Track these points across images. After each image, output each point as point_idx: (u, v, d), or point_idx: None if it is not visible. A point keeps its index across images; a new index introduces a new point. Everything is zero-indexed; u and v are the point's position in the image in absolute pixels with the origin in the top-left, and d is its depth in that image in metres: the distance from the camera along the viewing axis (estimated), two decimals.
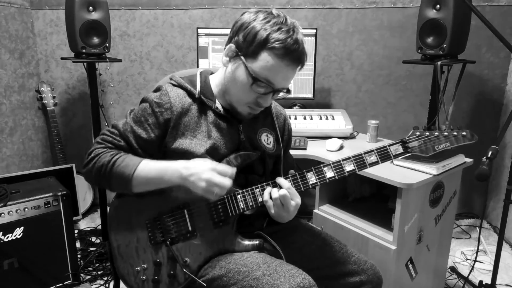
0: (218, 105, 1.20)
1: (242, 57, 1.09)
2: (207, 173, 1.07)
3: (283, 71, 1.09)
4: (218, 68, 1.25)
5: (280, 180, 1.14)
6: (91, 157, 1.16)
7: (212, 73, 1.27)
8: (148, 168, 1.13)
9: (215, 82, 1.22)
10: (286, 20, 1.07)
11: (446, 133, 1.15)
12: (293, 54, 1.06)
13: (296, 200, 1.13)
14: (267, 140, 1.28)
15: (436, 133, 1.15)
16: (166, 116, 1.14)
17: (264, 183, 1.16)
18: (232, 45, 1.11)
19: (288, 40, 1.05)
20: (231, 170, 1.10)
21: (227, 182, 1.08)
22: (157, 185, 1.14)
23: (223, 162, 1.17)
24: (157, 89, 1.21)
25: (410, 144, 1.16)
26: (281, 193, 1.11)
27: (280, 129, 1.33)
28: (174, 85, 1.21)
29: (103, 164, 1.13)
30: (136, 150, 1.18)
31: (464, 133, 1.15)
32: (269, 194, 1.13)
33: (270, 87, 1.10)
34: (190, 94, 1.19)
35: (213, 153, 1.17)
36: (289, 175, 1.16)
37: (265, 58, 1.06)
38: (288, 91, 1.15)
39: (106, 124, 2.63)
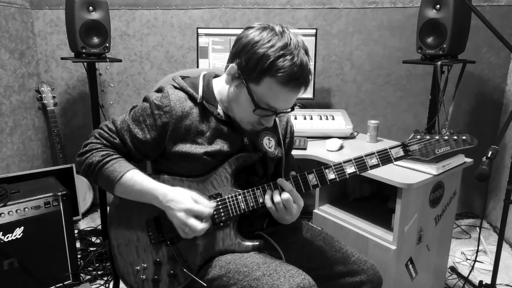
0: (220, 110, 1.19)
1: (244, 81, 1.07)
2: (181, 213, 1.08)
3: (286, 96, 1.07)
4: (219, 68, 1.24)
5: (282, 182, 1.14)
6: (86, 150, 1.18)
7: (215, 75, 1.25)
8: (133, 181, 1.14)
9: (218, 88, 1.20)
10: (290, 41, 1.02)
11: (446, 137, 1.16)
12: (297, 81, 1.04)
13: (298, 202, 1.14)
14: (269, 143, 1.27)
15: (437, 137, 1.16)
16: (164, 119, 1.14)
17: (265, 184, 1.16)
18: (234, 66, 1.08)
19: (292, 67, 1.01)
20: (208, 211, 1.10)
21: (199, 227, 1.08)
22: (137, 199, 1.16)
23: (225, 164, 1.18)
24: (159, 90, 1.20)
25: (411, 147, 1.16)
26: (284, 197, 1.11)
27: (282, 132, 1.33)
28: (176, 87, 1.19)
29: (93, 162, 1.15)
30: (130, 149, 1.18)
31: (464, 137, 1.16)
32: (270, 198, 1.13)
33: (272, 111, 1.09)
34: (191, 98, 1.18)
35: (215, 157, 1.16)
36: (290, 176, 1.16)
37: (267, 85, 1.04)
38: (292, 109, 1.13)
39: None
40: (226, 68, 1.12)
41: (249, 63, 1.04)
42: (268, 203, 1.13)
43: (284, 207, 1.12)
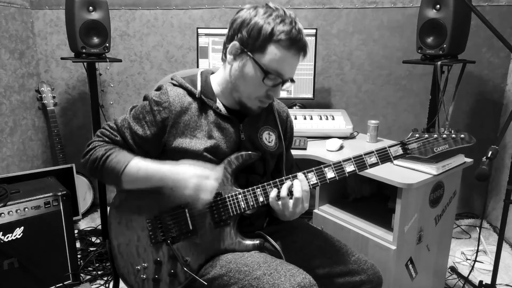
0: (219, 104, 1.21)
1: (249, 53, 1.10)
2: (193, 179, 1.09)
3: (290, 61, 1.11)
4: (219, 67, 1.26)
5: (303, 180, 1.14)
6: (89, 149, 1.20)
7: (213, 72, 1.27)
8: (138, 167, 1.14)
9: (216, 82, 1.23)
10: (285, 12, 1.11)
11: (445, 136, 1.17)
12: (298, 44, 1.10)
13: (305, 204, 1.14)
14: (268, 138, 1.28)
15: (435, 135, 1.17)
16: (163, 115, 1.15)
17: (265, 183, 1.17)
18: (236, 43, 1.12)
19: (292, 31, 1.08)
20: (218, 173, 1.12)
21: (216, 183, 1.10)
22: (144, 186, 1.16)
23: (224, 163, 1.18)
24: (158, 88, 1.22)
25: (410, 145, 1.16)
26: (297, 195, 1.11)
27: (282, 127, 1.34)
28: (174, 84, 1.21)
29: (97, 157, 1.16)
30: (131, 146, 1.19)
31: (462, 135, 1.17)
32: (287, 188, 1.13)
33: (280, 78, 1.12)
34: (190, 93, 1.19)
35: (214, 153, 1.17)
36: (290, 176, 1.16)
37: (272, 51, 1.09)
38: (293, 81, 1.17)
39: None
40: (224, 52, 1.16)
41: (251, 34, 1.09)
42: (284, 192, 1.13)
43: (288, 204, 1.12)
